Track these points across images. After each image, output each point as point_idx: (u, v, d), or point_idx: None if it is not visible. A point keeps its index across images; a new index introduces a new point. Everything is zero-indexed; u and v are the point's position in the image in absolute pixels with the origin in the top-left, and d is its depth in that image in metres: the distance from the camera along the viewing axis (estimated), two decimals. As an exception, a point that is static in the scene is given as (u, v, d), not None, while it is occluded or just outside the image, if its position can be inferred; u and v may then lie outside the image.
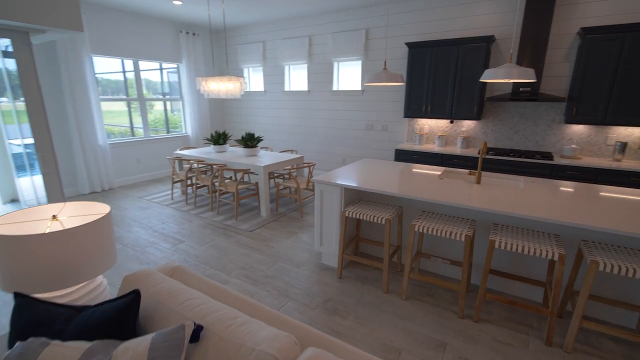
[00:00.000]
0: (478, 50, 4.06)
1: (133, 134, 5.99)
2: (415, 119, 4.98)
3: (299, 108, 6.17)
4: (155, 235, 3.72)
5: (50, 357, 0.93)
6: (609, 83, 3.51)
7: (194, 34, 6.34)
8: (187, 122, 6.71)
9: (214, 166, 4.23)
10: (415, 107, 4.65)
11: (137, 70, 5.77)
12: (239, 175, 5.65)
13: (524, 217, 2.06)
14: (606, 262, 1.88)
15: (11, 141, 3.41)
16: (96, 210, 1.59)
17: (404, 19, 4.78)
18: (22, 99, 2.71)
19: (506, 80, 2.37)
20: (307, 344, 1.11)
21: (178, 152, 5.08)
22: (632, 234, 1.79)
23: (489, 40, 3.98)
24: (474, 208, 2.20)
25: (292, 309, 2.47)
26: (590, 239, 2.27)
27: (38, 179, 3.09)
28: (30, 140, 2.86)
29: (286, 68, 6.20)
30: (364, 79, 5.35)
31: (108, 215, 1.52)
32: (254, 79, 6.79)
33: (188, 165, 5.01)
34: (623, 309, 2.26)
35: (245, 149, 4.66)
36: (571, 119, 3.75)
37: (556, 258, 1.99)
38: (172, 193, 4.99)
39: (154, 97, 6.27)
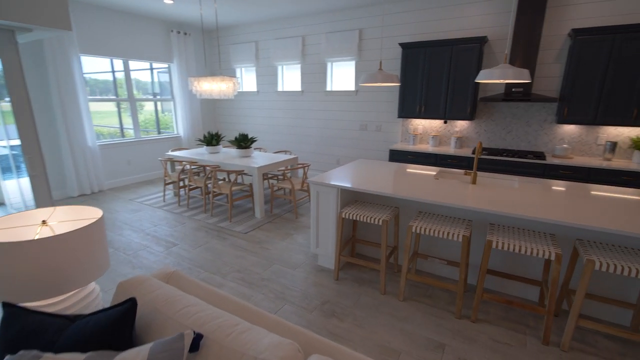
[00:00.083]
0: (471, 50, 4.09)
1: (123, 135, 5.88)
2: (409, 119, 4.99)
3: (292, 108, 6.13)
4: (147, 239, 3.65)
5: (42, 371, 0.89)
6: (599, 84, 3.57)
7: (185, 34, 6.26)
8: (178, 123, 6.61)
9: (207, 167, 4.17)
10: (409, 108, 4.66)
11: (127, 70, 5.66)
12: (232, 177, 5.59)
13: (522, 217, 2.07)
14: (602, 261, 1.90)
15: (-4, 143, 3.30)
16: (88, 214, 1.54)
17: (397, 19, 4.79)
18: (8, 99, 2.62)
19: (501, 81, 2.38)
20: (310, 350, 1.09)
21: (170, 153, 5.00)
22: (628, 233, 1.81)
23: (481, 41, 4.01)
24: (471, 208, 2.21)
25: (289, 312, 2.44)
26: (585, 238, 2.30)
27: (25, 182, 3.00)
28: (17, 142, 2.78)
29: (279, 68, 6.16)
30: (359, 79, 5.34)
31: (100, 219, 1.47)
32: (247, 79, 6.73)
33: (180, 167, 4.94)
34: (617, 306, 2.29)
35: (238, 150, 4.61)
36: (563, 119, 3.80)
37: (553, 257, 2.00)
38: (164, 195, 4.91)
39: (145, 97, 6.16)
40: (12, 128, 2.73)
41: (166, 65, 6.34)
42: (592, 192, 2.55)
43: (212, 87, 4.34)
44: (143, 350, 0.94)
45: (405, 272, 2.51)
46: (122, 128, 5.84)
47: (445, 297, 2.62)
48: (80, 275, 1.36)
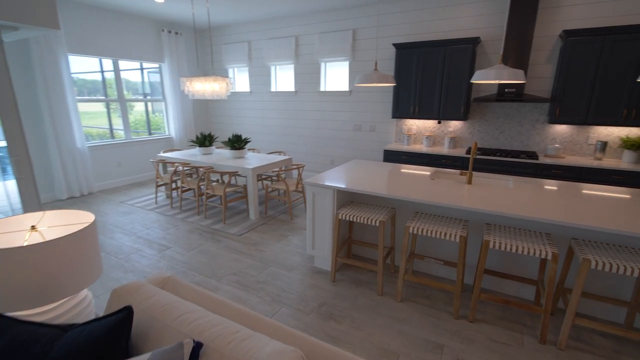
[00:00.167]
0: (464, 51, 4.12)
1: (113, 136, 5.76)
2: (403, 120, 5.00)
3: (286, 109, 6.10)
4: (139, 242, 3.57)
5: (33, 385, 0.84)
6: (590, 84, 3.62)
7: (176, 33, 6.17)
8: (170, 124, 6.52)
9: (201, 169, 4.11)
10: (403, 108, 4.67)
11: (116, 70, 5.55)
12: (225, 178, 5.53)
13: (519, 217, 2.07)
14: (597, 260, 1.92)
15: (-19, 145, 3.20)
16: (79, 219, 1.48)
17: (391, 20, 4.79)
18: (-7, 100, 2.54)
19: (497, 81, 2.39)
20: (313, 357, 1.06)
21: (162, 154, 4.92)
22: (623, 232, 1.83)
23: (474, 41, 4.04)
24: (469, 209, 2.21)
25: (286, 315, 2.41)
26: (580, 237, 2.32)
27: (12, 184, 2.91)
28: (3, 144, 2.70)
29: (272, 68, 6.12)
30: (353, 79, 5.34)
31: (92, 224, 1.42)
32: (240, 80, 6.67)
33: (173, 168, 4.86)
34: (611, 304, 2.31)
35: (232, 150, 4.55)
36: (554, 119, 3.85)
37: (549, 257, 2.01)
38: (156, 197, 4.82)
39: (135, 97, 6.05)
40: (-2, 129, 2.64)
41: (157, 65, 6.24)
42: (586, 192, 2.58)
43: (204, 87, 4.28)
44: (140, 361, 0.90)
45: (403, 273, 2.50)
46: (111, 129, 5.73)
47: (442, 297, 2.62)
48: (72, 283, 1.31)
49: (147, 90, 6.29)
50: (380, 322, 2.33)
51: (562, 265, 2.45)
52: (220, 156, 4.73)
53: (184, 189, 4.62)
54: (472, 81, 2.50)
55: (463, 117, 4.29)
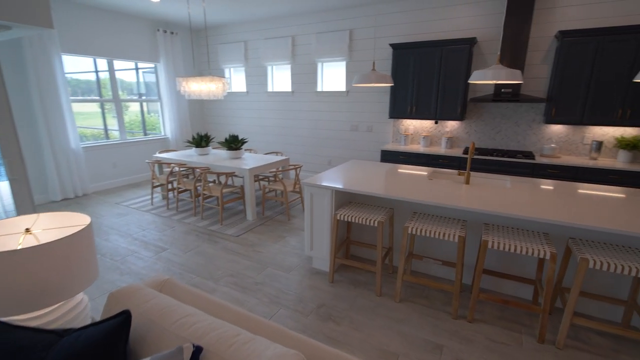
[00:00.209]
0: (461, 51, 4.13)
1: (107, 137, 5.70)
2: (400, 120, 5.00)
3: (282, 109, 6.08)
4: (135, 244, 3.54)
5: (29, 393, 0.82)
6: (585, 84, 3.65)
7: (172, 33, 6.12)
8: (166, 124, 6.47)
9: (197, 169, 4.08)
10: (400, 108, 4.67)
11: (111, 70, 5.50)
12: (222, 179, 5.50)
13: (517, 217, 2.08)
14: (595, 259, 1.93)
15: (-27, 146, 3.14)
16: (75, 221, 1.46)
17: (388, 20, 4.79)
18: (-14, 100, 2.50)
19: (494, 82, 2.40)
20: (314, 360, 1.05)
21: (158, 155, 4.88)
22: (622, 232, 1.84)
23: (471, 42, 4.05)
24: (467, 209, 2.21)
25: (284, 316, 2.40)
26: (577, 237, 2.33)
27: (4, 186, 2.86)
28: (-4, 145, 2.65)
29: (269, 68, 6.09)
30: (351, 79, 5.33)
31: (89, 227, 1.40)
32: (236, 80, 6.64)
33: (169, 169, 4.82)
34: (608, 303, 2.33)
35: (229, 151, 4.53)
36: (550, 119, 3.87)
37: (548, 257, 2.02)
38: (152, 198, 4.78)
39: (130, 98, 6.00)
40: (-10, 130, 2.60)
41: (152, 65, 6.19)
42: (582, 191, 2.60)
43: (201, 87, 4.25)
44: (139, 366, 0.88)
45: (402, 274, 2.50)
46: (106, 129, 5.67)
47: (440, 297, 2.62)
48: (68, 286, 1.29)
49: (143, 91, 6.23)
50: (379, 323, 2.32)
51: (559, 264, 2.46)
52: (217, 157, 4.70)
53: (180, 190, 4.58)
54: (470, 81, 2.50)
55: (460, 117, 4.30)
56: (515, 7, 3.77)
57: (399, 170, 3.25)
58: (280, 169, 4.65)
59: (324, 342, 2.14)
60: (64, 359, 0.94)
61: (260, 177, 5.00)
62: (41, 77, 4.49)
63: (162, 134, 6.52)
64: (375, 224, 2.53)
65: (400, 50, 4.48)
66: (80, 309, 1.45)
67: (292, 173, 5.51)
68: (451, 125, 4.67)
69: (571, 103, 3.75)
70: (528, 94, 4.15)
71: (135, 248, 3.43)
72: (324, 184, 2.74)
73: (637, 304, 2.16)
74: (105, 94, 5.53)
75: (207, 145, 4.87)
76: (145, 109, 6.31)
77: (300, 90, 5.79)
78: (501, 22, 4.12)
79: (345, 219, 2.65)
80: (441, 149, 4.52)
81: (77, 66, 5.18)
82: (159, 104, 6.41)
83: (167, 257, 3.26)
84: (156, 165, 4.86)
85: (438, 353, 2.06)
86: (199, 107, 7.14)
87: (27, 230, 1.36)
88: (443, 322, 2.34)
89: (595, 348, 2.09)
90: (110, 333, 0.97)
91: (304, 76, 5.69)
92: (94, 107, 5.49)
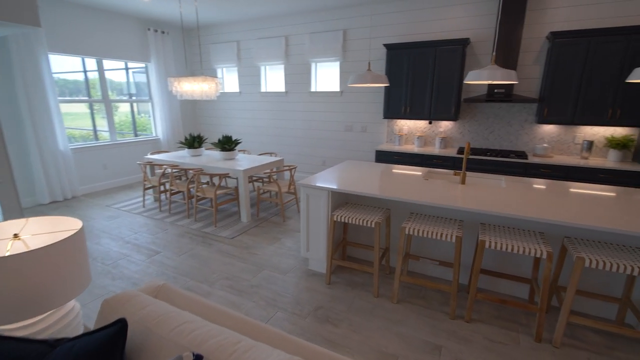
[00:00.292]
0: (454, 52, 4.15)
1: (97, 138, 5.59)
2: (395, 120, 5.01)
3: (276, 109, 6.04)
4: (127, 247, 3.46)
5: (20, 409, 0.78)
6: (576, 85, 3.70)
7: (163, 32, 6.03)
8: (157, 125, 6.37)
9: (190, 171, 4.02)
10: (394, 108, 4.67)
11: (101, 69, 5.39)
12: (215, 180, 5.44)
13: (514, 216, 2.08)
14: (591, 258, 1.94)
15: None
16: (65, 225, 1.41)
17: (381, 20, 4.80)
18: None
19: (490, 82, 2.41)
20: (318, 366, 1.03)
21: (149, 156, 4.79)
22: (618, 230, 1.86)
23: (464, 42, 4.08)
24: (464, 209, 2.21)
25: (282, 319, 2.37)
26: (572, 236, 2.35)
27: (-10, 190, 2.77)
28: (-20, 147, 2.57)
29: (262, 68, 6.05)
30: (345, 80, 5.32)
31: (81, 231, 1.35)
32: (229, 80, 6.57)
33: (161, 171, 4.74)
34: (603, 301, 2.36)
35: (222, 152, 4.47)
36: (542, 119, 3.92)
37: (544, 256, 2.03)
38: (144, 200, 4.70)
39: (119, 98, 5.88)
40: (-25, 132, 2.52)
41: (143, 65, 6.09)
42: (575, 190, 2.62)
43: (193, 87, 4.19)
44: (137, 377, 0.84)
45: (399, 274, 2.49)
46: (95, 130, 5.55)
47: (438, 297, 2.62)
48: (59, 294, 1.24)
49: (133, 91, 6.13)
50: (377, 325, 2.31)
51: (555, 263, 2.48)
52: (210, 158, 4.64)
53: (172, 191, 4.51)
54: (466, 81, 2.50)
55: (454, 118, 4.32)
56: (508, 8, 3.81)
57: (395, 171, 3.25)
58: (274, 169, 4.61)
59: (323, 345, 2.11)
60: (56, 371, 0.90)
61: (255, 178, 4.96)
62: (28, 77, 4.37)
63: (154, 135, 6.42)
64: (373, 225, 2.52)
65: (394, 51, 4.49)
66: (72, 316, 1.40)
67: (287, 174, 5.47)
68: (445, 125, 4.70)
69: (563, 103, 3.80)
70: (520, 94, 4.19)
71: (127, 252, 3.36)
72: (321, 185, 2.72)
73: (631, 301, 2.18)
74: (94, 94, 5.41)
75: (199, 146, 4.81)
76: (135, 109, 6.20)
77: (294, 91, 5.76)
78: (493, 23, 4.16)
79: (342, 220, 2.63)
80: (435, 149, 4.53)
81: (64, 66, 5.06)
82: (149, 104, 6.31)
83: (160, 260, 3.19)
84: (148, 167, 4.77)
85: (437, 354, 2.05)
86: (191, 107, 7.06)
87: (16, 235, 1.30)
88: (441, 322, 2.34)
89: (591, 346, 2.11)
90: (105, 343, 0.93)
91: (298, 76, 5.66)
92: (82, 108, 5.37)
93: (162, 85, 6.16)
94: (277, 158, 4.58)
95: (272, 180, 4.30)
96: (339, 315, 2.41)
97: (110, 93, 5.60)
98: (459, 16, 4.32)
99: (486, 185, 2.75)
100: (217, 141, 4.60)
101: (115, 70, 5.77)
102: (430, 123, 4.78)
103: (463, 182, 2.80)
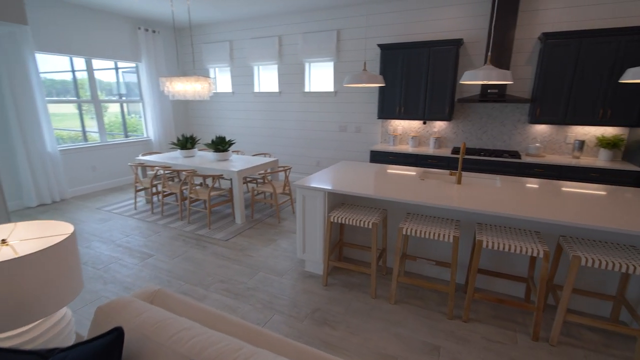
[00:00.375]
0: (448, 52, 4.17)
1: (86, 139, 5.47)
2: (389, 120, 5.02)
3: (270, 110, 6.00)
4: (118, 250, 3.39)
5: None
6: (568, 85, 3.75)
7: (154, 31, 5.94)
8: (148, 126, 6.26)
9: (183, 172, 3.96)
10: (388, 109, 4.68)
11: (90, 69, 5.28)
12: (208, 181, 5.37)
13: (512, 216, 2.09)
14: (587, 257, 1.96)
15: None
16: (56, 230, 1.36)
17: (375, 20, 4.80)
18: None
19: (486, 82, 2.41)
20: (322, 372, 1.00)
21: (141, 157, 4.71)
22: (614, 229, 1.87)
23: (458, 43, 4.10)
24: (462, 209, 2.21)
25: (279, 322, 2.33)
26: (568, 235, 2.37)
27: (-25, 193, 2.69)
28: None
29: (255, 68, 6.00)
30: (339, 80, 5.30)
31: (72, 236, 1.30)
32: (221, 80, 6.50)
33: (153, 172, 4.66)
34: (597, 299, 2.38)
35: (216, 153, 4.41)
36: (535, 119, 3.96)
37: (541, 255, 2.04)
38: (136, 202, 4.61)
39: (109, 98, 5.77)
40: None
41: (133, 65, 5.98)
42: (569, 189, 2.65)
43: (186, 87, 4.13)
44: (135, 389, 0.81)
45: (397, 275, 2.48)
46: (84, 131, 5.43)
47: (435, 297, 2.62)
48: (50, 301, 1.19)
49: (123, 91, 6.02)
50: (376, 326, 2.29)
51: (551, 262, 2.50)
52: (203, 159, 4.57)
53: (165, 193, 4.43)
54: (461, 82, 2.51)
55: (448, 118, 4.35)
56: (500, 9, 3.84)
57: (391, 171, 3.24)
58: (269, 170, 4.57)
59: (321, 348, 2.09)
60: (49, 384, 0.85)
61: (248, 179, 4.91)
62: (14, 76, 4.25)
63: (145, 135, 6.31)
64: (370, 226, 2.50)
65: (388, 51, 4.49)
66: (64, 324, 1.35)
67: (282, 175, 5.43)
68: (439, 125, 4.72)
69: (554, 103, 3.84)
70: (513, 94, 4.23)
71: (118, 255, 3.29)
72: (317, 185, 2.69)
73: (626, 298, 2.21)
74: (83, 95, 5.30)
75: (192, 147, 4.74)
76: (125, 110, 6.09)
77: (288, 91, 5.73)
78: (486, 24, 4.19)
79: (339, 221, 2.61)
80: (429, 149, 4.55)
81: (52, 65, 4.94)
82: (140, 104, 6.20)
83: (154, 263, 3.13)
84: (139, 168, 4.69)
85: (436, 355, 2.05)
86: (183, 108, 6.97)
87: (3, 241, 1.25)
88: (438, 322, 2.34)
89: (588, 344, 2.13)
90: (101, 353, 0.89)
91: (291, 76, 5.62)
92: (71, 108, 5.25)
93: (154, 85, 6.06)
94: (272, 159, 4.54)
95: (266, 181, 4.27)
96: (336, 317, 2.39)
97: (99, 93, 5.49)
98: (452, 17, 4.34)
99: (482, 185, 2.76)
100: (210, 142, 4.54)
101: (105, 70, 5.65)
102: (424, 123, 4.80)
103: (459, 182, 2.80)
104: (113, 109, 5.88)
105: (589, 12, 3.75)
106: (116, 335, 0.92)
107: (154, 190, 4.53)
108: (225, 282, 2.83)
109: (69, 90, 5.17)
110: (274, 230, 3.91)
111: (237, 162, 4.35)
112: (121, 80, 5.97)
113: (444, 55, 4.20)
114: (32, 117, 4.47)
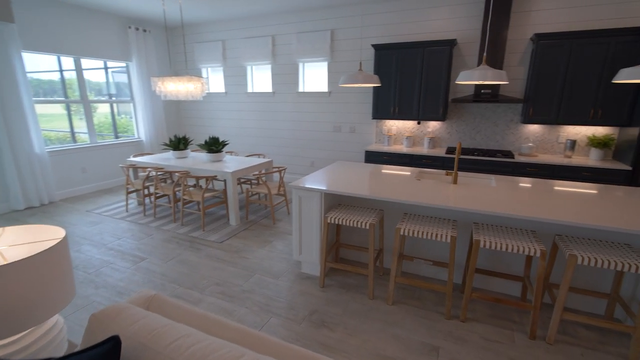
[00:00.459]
0: (442, 53, 4.19)
1: (74, 140, 5.35)
2: (383, 121, 5.02)
3: (263, 110, 5.95)
4: (110, 254, 3.31)
5: None
6: (560, 85, 3.79)
7: (144, 31, 5.84)
8: (139, 126, 6.16)
9: (176, 173, 3.89)
10: (383, 109, 4.68)
11: (79, 69, 5.16)
12: (202, 183, 5.30)
13: (510, 216, 2.10)
14: (583, 255, 1.97)
15: None
16: (46, 234, 1.31)
17: (369, 21, 4.80)
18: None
19: (482, 82, 2.42)
20: (326, 378, 0.98)
21: (132, 159, 4.62)
22: (609, 228, 1.89)
23: (451, 43, 4.12)
24: (459, 209, 2.21)
25: (276, 325, 2.30)
26: (564, 234, 2.39)
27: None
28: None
29: (249, 68, 5.95)
30: (333, 80, 5.28)
31: (64, 240, 1.26)
32: (214, 80, 6.43)
33: (145, 173, 4.59)
34: (592, 297, 2.41)
35: (209, 154, 4.36)
36: (528, 119, 4.00)
37: (538, 254, 2.05)
38: (127, 204, 4.52)
39: (99, 99, 5.65)
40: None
41: (124, 65, 5.88)
42: (563, 188, 2.68)
43: (178, 87, 4.07)
44: (134, 400, 0.78)
45: (394, 276, 2.47)
46: (73, 132, 5.31)
47: (432, 298, 2.62)
48: (42, 308, 1.14)
49: (112, 91, 5.90)
50: (374, 327, 2.28)
51: (547, 261, 2.52)
52: (196, 160, 4.51)
53: (157, 195, 4.36)
54: (457, 82, 2.51)
55: (442, 118, 4.36)
56: (493, 10, 3.87)
57: (386, 171, 3.23)
58: (263, 171, 4.53)
59: (319, 351, 2.07)
60: (41, 397, 0.81)
61: (242, 180, 4.86)
62: (0, 76, 4.13)
63: (136, 136, 6.21)
64: (367, 226, 2.49)
65: (382, 51, 4.49)
66: (56, 332, 1.30)
67: (276, 176, 5.40)
68: (433, 125, 4.74)
69: (547, 104, 3.89)
70: (506, 94, 4.26)
71: (110, 259, 3.21)
72: (313, 186, 2.67)
73: (620, 296, 2.24)
74: (71, 95, 5.18)
75: (185, 148, 4.67)
76: (115, 110, 5.97)
77: (282, 91, 5.69)
78: (479, 24, 4.22)
79: (336, 222, 2.59)
80: (424, 149, 4.56)
81: (38, 65, 4.81)
82: (131, 105, 6.10)
83: (147, 267, 3.07)
84: (131, 170, 4.60)
85: (435, 355, 2.04)
86: (175, 108, 6.87)
87: (-9, 247, 1.20)
88: (436, 322, 2.33)
89: (584, 342, 2.15)
90: (96, 363, 0.86)
91: (285, 76, 5.59)
92: (59, 109, 5.13)
93: (145, 85, 5.97)
94: (266, 159, 4.50)
95: (261, 182, 4.22)
96: (334, 319, 2.37)
97: (88, 93, 5.37)
98: (446, 17, 4.36)
99: (478, 185, 2.77)
100: (203, 143, 4.48)
101: (94, 70, 5.54)
102: (418, 123, 4.81)
103: (455, 182, 2.81)
104: (102, 110, 5.77)
105: (580, 14, 3.80)
106: (113, 344, 0.89)
107: (146, 192, 4.45)
108: (220, 284, 2.78)
109: (56, 91, 5.05)
110: (269, 231, 3.87)
111: (231, 163, 4.30)
112: (111, 80, 5.86)
113: (437, 56, 4.22)
114: (19, 117, 4.35)
